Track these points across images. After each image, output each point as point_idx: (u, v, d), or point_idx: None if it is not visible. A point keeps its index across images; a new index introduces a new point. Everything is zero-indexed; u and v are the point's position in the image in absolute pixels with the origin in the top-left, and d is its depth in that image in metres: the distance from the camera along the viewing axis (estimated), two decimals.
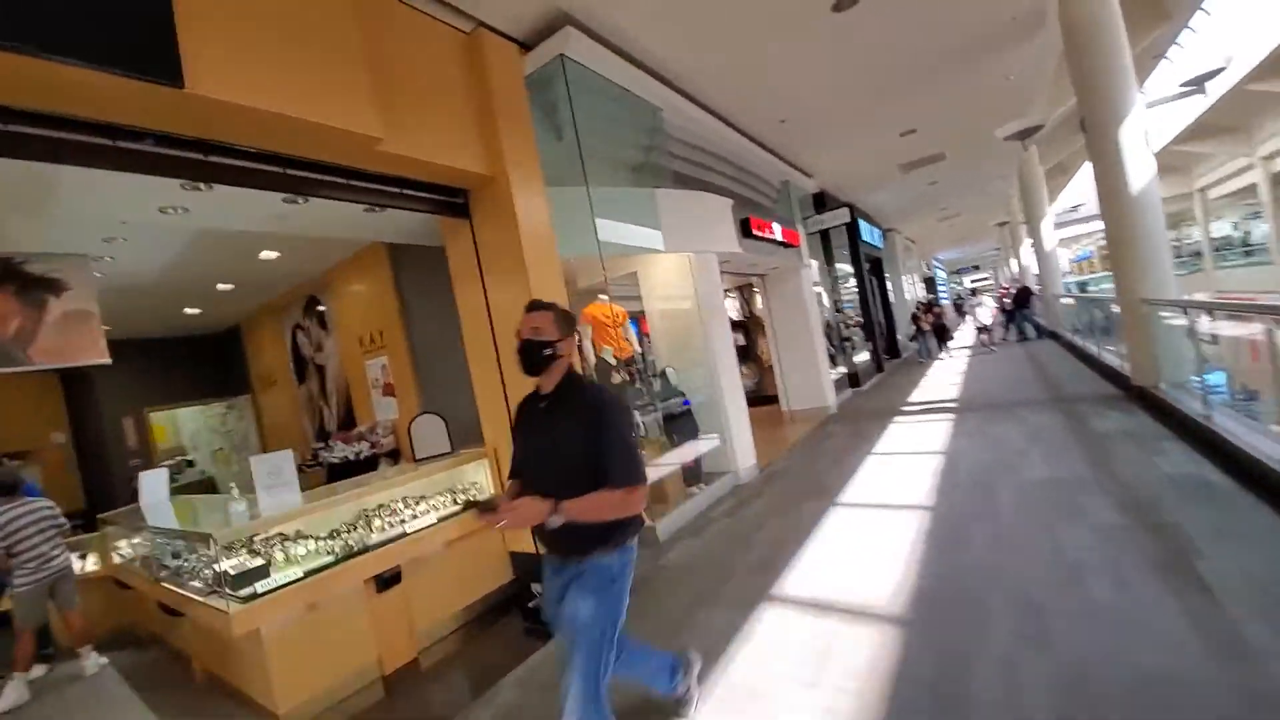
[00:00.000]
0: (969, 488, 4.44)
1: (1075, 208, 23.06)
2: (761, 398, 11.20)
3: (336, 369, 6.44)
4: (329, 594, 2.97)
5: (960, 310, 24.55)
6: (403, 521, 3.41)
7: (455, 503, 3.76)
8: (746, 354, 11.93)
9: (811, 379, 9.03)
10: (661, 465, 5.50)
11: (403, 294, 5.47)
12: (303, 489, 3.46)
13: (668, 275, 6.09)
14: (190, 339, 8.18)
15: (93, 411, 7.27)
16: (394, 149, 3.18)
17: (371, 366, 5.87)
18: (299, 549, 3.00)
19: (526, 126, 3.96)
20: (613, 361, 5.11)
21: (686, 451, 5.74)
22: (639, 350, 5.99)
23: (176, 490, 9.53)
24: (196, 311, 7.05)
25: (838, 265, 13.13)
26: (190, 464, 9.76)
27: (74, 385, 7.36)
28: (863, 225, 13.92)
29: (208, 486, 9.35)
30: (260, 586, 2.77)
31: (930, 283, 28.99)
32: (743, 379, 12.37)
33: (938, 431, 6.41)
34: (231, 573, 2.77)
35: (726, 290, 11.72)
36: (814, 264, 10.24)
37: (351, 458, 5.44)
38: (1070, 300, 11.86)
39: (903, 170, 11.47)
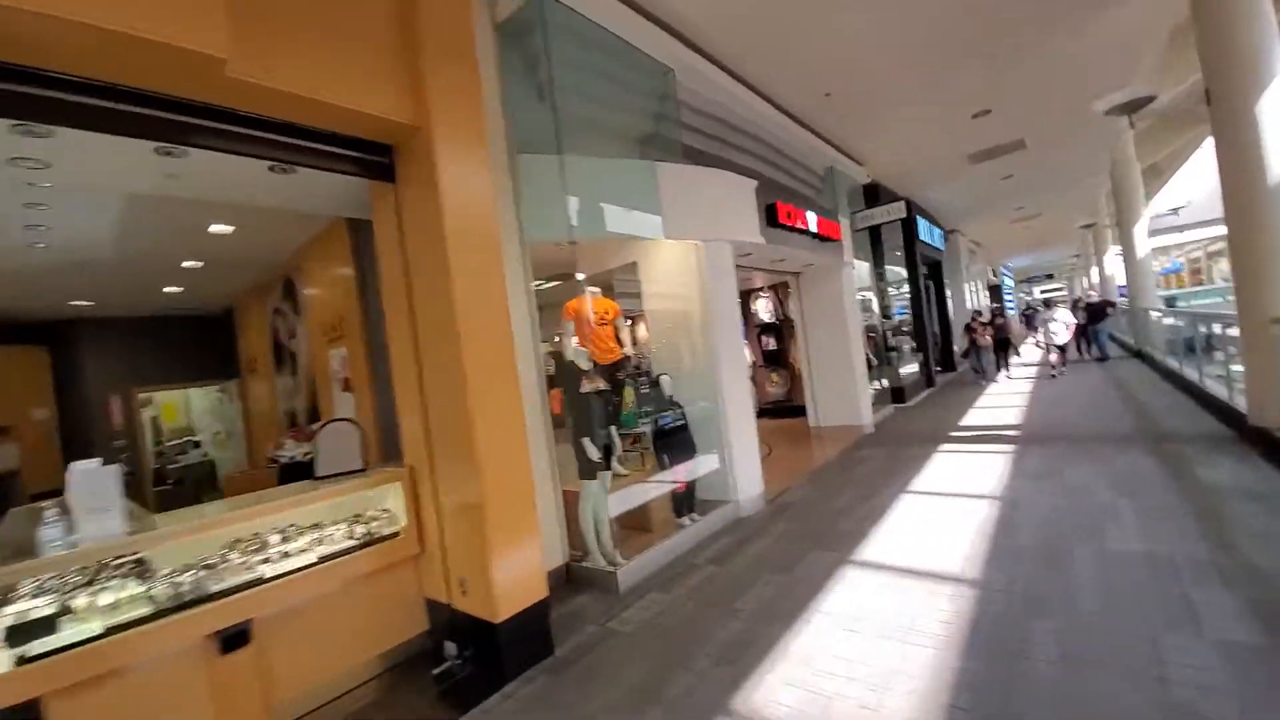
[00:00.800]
0: (1033, 556, 3.36)
1: (1175, 210, 20.52)
2: (790, 409, 10.12)
3: (306, 358, 5.89)
4: (142, 656, 2.27)
5: (1030, 323, 22.38)
6: (266, 561, 2.69)
7: (354, 536, 3.02)
8: (778, 359, 10.85)
9: (846, 394, 7.92)
10: (646, 489, 4.64)
11: (363, 277, 4.81)
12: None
13: (670, 266, 5.20)
14: (184, 319, 7.90)
15: (79, 389, 7.06)
16: (270, 80, 2.44)
17: (334, 357, 5.26)
18: (110, 595, 2.31)
19: (470, 69, 3.16)
20: (586, 365, 4.29)
21: (678, 474, 4.85)
22: (631, 353, 5.12)
23: (179, 471, 9.43)
24: (177, 290, 6.68)
25: (889, 266, 11.85)
26: (196, 445, 9.59)
27: (62, 362, 7.17)
28: (921, 223, 12.54)
29: (208, 470, 9.14)
30: (43, 645, 2.10)
31: (995, 291, 26.71)
32: (772, 386, 11.35)
33: (994, 468, 5.26)
34: (3, 624, 2.10)
35: (759, 289, 10.69)
36: (859, 264, 9.07)
37: (299, 458, 4.86)
38: (1167, 315, 10.15)
39: (972, 161, 10.08)
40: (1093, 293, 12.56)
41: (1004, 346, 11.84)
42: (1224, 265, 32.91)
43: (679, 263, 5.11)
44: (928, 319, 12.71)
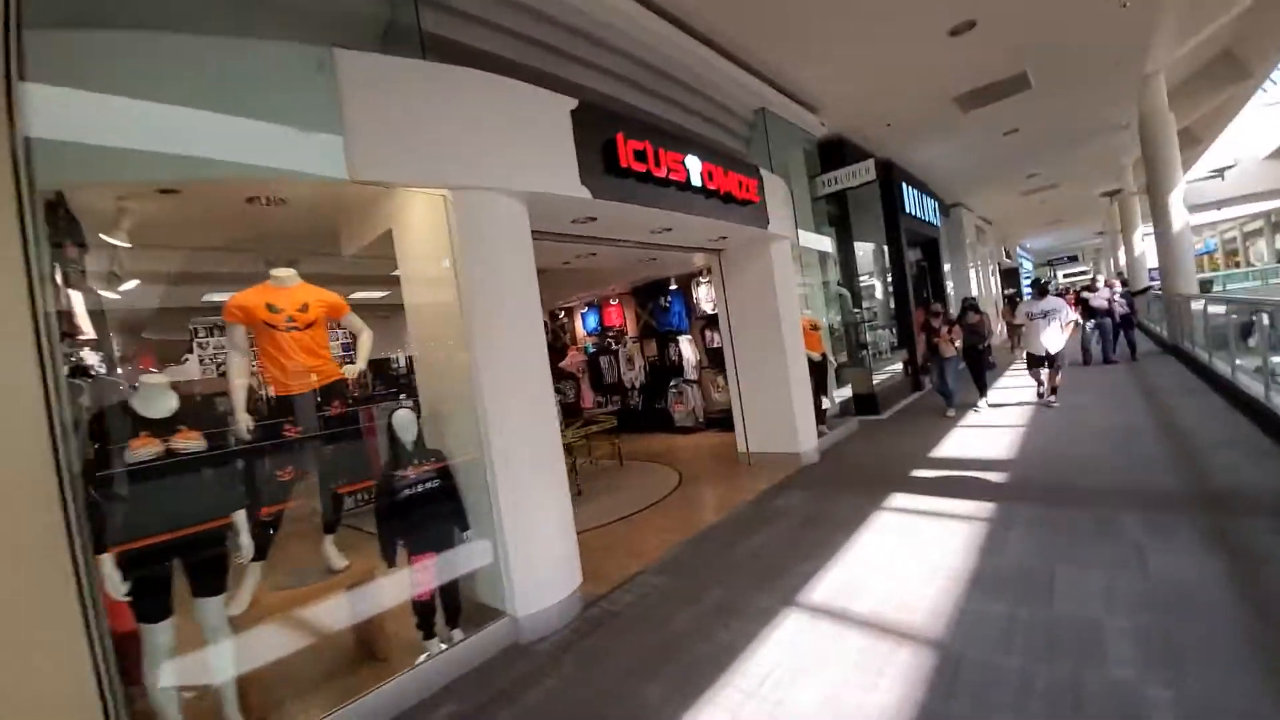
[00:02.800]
0: None
1: (1219, 172, 18.01)
2: (721, 421, 8.12)
3: None
4: None
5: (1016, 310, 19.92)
6: None
7: None
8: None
9: (781, 412, 5.95)
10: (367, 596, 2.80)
11: None
12: None
13: (424, 234, 3.26)
14: None
15: None
16: None
17: None
18: None
19: None
20: (240, 397, 2.49)
21: (426, 574, 2.98)
22: (357, 376, 3.22)
23: None
24: None
25: (866, 244, 9.77)
26: None
27: None
28: (908, 193, 10.40)
29: None
30: None
31: (1012, 275, 24.21)
32: (719, 393, 9.27)
33: (947, 553, 3.30)
34: None
35: (700, 273, 8.70)
36: (806, 237, 7.03)
37: None
38: (1215, 303, 7.93)
39: (962, 107, 7.92)
40: (1104, 288, 10.04)
41: (977, 358, 7.41)
42: (1261, 246, 30.00)
43: (432, 229, 3.18)
44: (915, 308, 10.60)
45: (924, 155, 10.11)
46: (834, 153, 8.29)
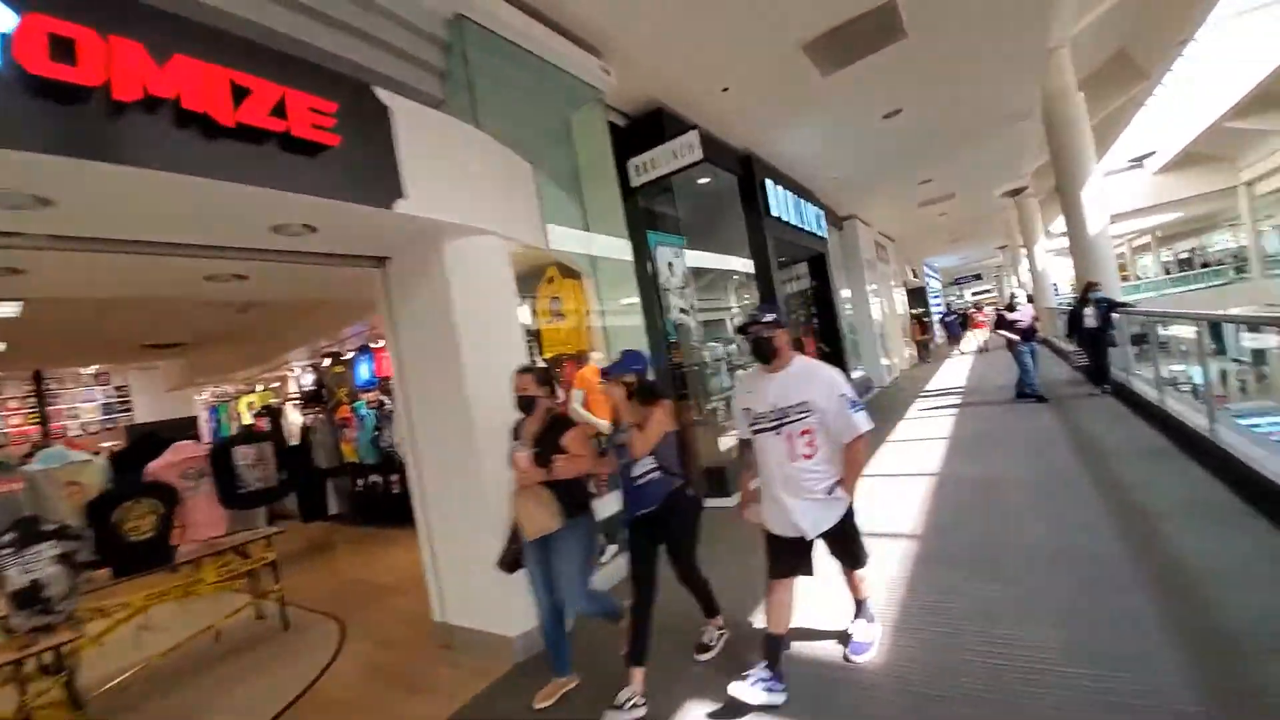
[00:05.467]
0: None
1: (1138, 161, 17.43)
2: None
3: None
4: None
5: (950, 330, 18.40)
6: None
7: None
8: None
9: (479, 555, 3.15)
10: None
11: None
12: None
13: None
14: None
15: None
16: None
17: None
18: None
19: None
20: None
21: None
22: None
23: None
24: None
25: (726, 256, 7.44)
26: None
27: None
28: (776, 193, 8.17)
29: None
30: None
31: (919, 294, 23.12)
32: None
33: None
34: None
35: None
36: (577, 238, 4.46)
37: None
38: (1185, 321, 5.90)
39: (818, 64, 5.71)
40: (1026, 305, 7.72)
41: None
42: (1148, 260, 30.99)
43: None
44: (794, 337, 8.28)
45: (791, 146, 7.93)
46: (646, 129, 5.88)
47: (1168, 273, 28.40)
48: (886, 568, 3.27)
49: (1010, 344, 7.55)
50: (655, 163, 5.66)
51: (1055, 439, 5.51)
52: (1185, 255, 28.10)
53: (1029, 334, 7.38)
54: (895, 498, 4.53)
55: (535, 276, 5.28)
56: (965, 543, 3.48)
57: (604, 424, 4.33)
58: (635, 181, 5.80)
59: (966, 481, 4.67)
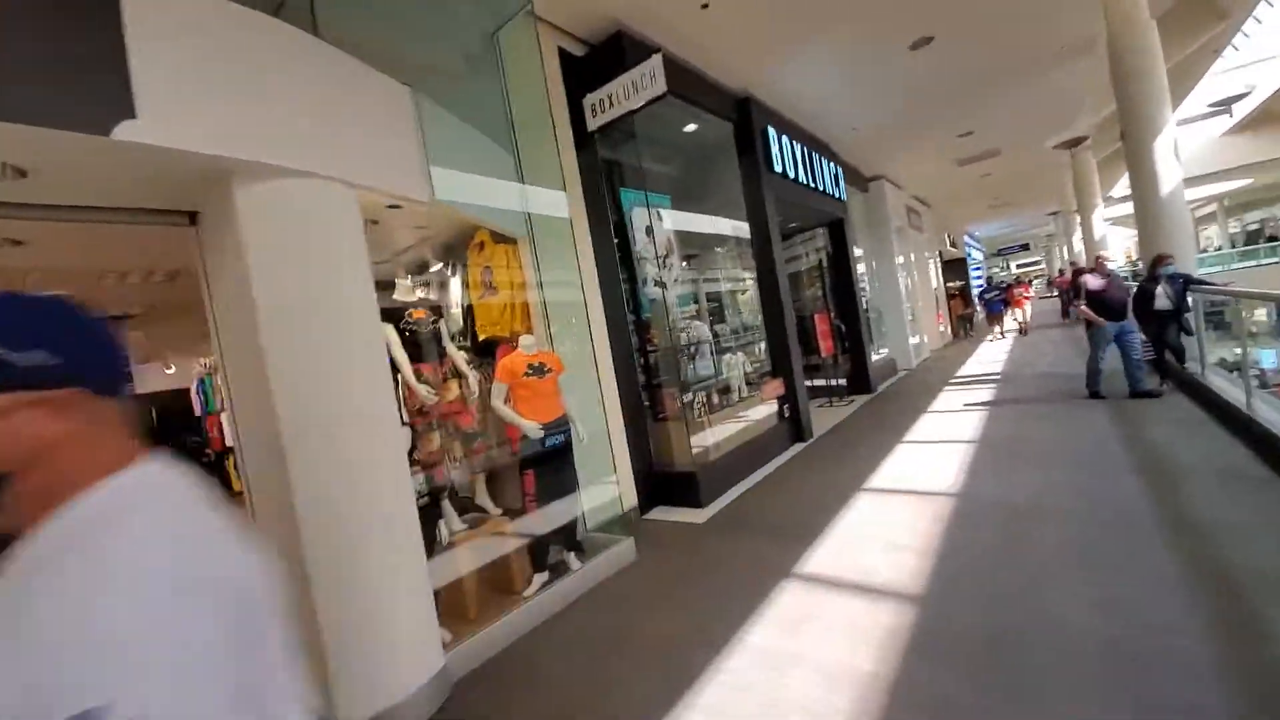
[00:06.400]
0: None
1: (1226, 104, 15.44)
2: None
3: None
4: None
5: (990, 307, 16.58)
6: None
7: None
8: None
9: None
10: None
11: None
12: None
13: None
14: None
15: None
16: None
17: None
18: None
19: None
20: None
21: None
22: None
23: None
24: None
25: (688, 214, 6.38)
26: None
27: None
28: (781, 143, 6.94)
29: None
30: None
31: (959, 266, 21.25)
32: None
33: None
34: None
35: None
36: (486, 189, 3.49)
37: None
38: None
39: None
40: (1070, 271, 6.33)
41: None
42: (1212, 231, 27.95)
43: None
44: (787, 313, 7.22)
45: (798, 85, 6.67)
46: (613, 61, 4.77)
47: (1234, 245, 25.59)
48: (857, 657, 2.30)
49: (1089, 324, 5.96)
50: (614, 99, 4.59)
51: (1110, 452, 4.35)
52: (1254, 226, 25.23)
53: (1118, 310, 5.81)
54: (891, 527, 3.51)
55: (463, 244, 4.38)
56: (973, 616, 2.48)
57: (531, 425, 3.45)
58: (592, 125, 4.76)
59: (987, 508, 3.61)
